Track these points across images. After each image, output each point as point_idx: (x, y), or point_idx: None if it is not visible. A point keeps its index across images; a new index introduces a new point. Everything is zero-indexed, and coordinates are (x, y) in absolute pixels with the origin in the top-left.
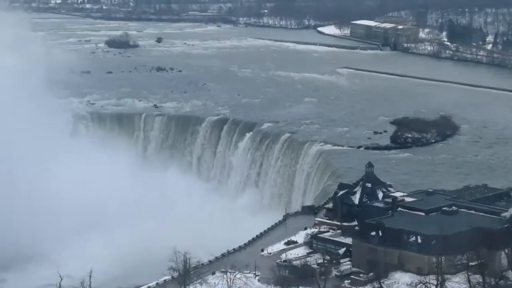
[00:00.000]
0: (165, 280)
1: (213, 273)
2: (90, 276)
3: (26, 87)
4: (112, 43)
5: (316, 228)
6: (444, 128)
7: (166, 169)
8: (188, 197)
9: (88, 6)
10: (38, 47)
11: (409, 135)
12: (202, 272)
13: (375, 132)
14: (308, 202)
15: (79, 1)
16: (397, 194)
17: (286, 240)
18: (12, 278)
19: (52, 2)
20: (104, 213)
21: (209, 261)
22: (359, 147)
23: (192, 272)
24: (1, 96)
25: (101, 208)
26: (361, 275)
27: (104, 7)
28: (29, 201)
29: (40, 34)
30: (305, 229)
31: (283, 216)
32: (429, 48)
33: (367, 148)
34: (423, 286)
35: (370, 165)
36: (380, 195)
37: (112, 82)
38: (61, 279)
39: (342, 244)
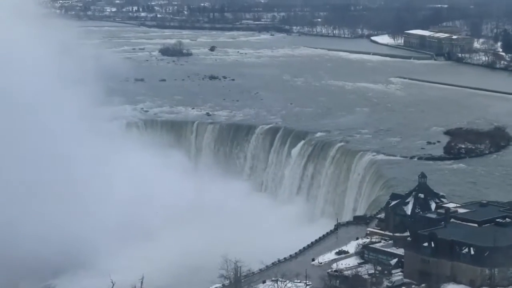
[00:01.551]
0: None
1: (264, 282)
2: (142, 282)
3: (80, 94)
4: (165, 51)
5: (367, 238)
6: (498, 139)
7: (218, 177)
8: (239, 205)
9: (142, 14)
10: (93, 55)
11: (463, 146)
12: (252, 280)
13: (428, 143)
14: (360, 212)
15: (133, 9)
16: (450, 205)
17: (337, 250)
18: (61, 284)
19: (107, 10)
20: (154, 219)
21: (260, 269)
22: (412, 157)
23: (243, 280)
24: (56, 102)
25: (151, 214)
26: (413, 286)
27: (158, 15)
28: (81, 205)
29: (95, 42)
30: (357, 239)
31: (335, 225)
32: (483, 58)
33: (420, 158)
34: None
35: (423, 175)
36: (433, 206)
37: (165, 90)
38: (113, 284)
39: (394, 255)
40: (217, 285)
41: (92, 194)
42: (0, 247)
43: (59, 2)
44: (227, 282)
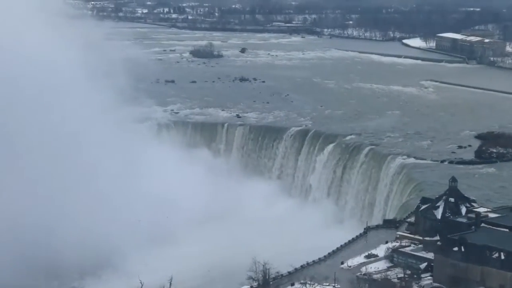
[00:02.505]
0: None
1: (292, 285)
2: (170, 284)
3: (111, 96)
4: (196, 53)
5: (397, 242)
6: None
7: (247, 179)
8: (268, 207)
9: (173, 16)
10: (124, 56)
11: (494, 150)
12: (281, 283)
13: (459, 146)
14: (390, 215)
15: (165, 11)
16: (481, 209)
17: (366, 253)
18: (88, 286)
19: (138, 11)
20: (181, 220)
21: (289, 272)
22: (442, 161)
23: (271, 282)
24: (86, 104)
25: (178, 215)
26: None
27: (189, 17)
28: (108, 206)
29: (126, 43)
30: (386, 242)
31: (364, 229)
32: None
33: (451, 162)
34: None
35: (453, 179)
36: (463, 210)
37: (195, 92)
38: (142, 285)
39: (423, 259)
40: (246, 286)
41: (120, 195)
42: (28, 247)
43: (91, 3)
44: (255, 284)
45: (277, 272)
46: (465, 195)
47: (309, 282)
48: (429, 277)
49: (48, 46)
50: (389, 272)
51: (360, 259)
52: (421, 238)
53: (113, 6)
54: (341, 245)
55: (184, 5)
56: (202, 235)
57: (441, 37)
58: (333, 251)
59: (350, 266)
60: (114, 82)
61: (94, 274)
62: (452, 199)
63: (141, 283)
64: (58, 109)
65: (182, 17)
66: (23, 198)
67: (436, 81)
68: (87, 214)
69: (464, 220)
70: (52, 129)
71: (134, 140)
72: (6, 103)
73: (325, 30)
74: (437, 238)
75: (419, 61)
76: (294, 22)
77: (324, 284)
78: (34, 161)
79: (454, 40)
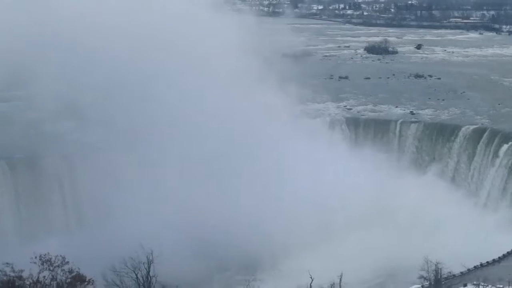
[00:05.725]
0: None
1: (465, 285)
2: (340, 280)
3: (285, 92)
4: (371, 49)
5: None
6: None
7: (418, 177)
8: (437, 206)
9: (348, 12)
10: (299, 53)
11: None
12: (453, 283)
13: None
14: None
15: (340, 7)
16: None
17: None
18: (260, 279)
19: (314, 8)
20: (348, 216)
21: (461, 272)
22: None
23: (443, 282)
24: (261, 101)
25: (345, 212)
26: None
27: (365, 13)
28: (276, 201)
29: (301, 40)
30: None
31: None
32: None
33: None
34: None
35: None
36: None
37: (369, 88)
38: (312, 280)
39: None
40: (417, 286)
41: (286, 191)
42: (200, 239)
43: (267, 0)
44: (427, 283)
45: (449, 272)
46: None
47: (482, 284)
48: None
49: (217, 42)
50: None
51: None
52: None
53: (288, 2)
54: None
55: (359, 1)
56: (369, 232)
57: None
58: (508, 252)
59: None
60: (289, 79)
61: (259, 269)
62: None
63: (311, 278)
64: (229, 104)
65: (357, 13)
66: (199, 188)
67: None
68: (255, 208)
69: None
70: (227, 122)
71: (305, 135)
72: (169, 101)
73: (504, 26)
74: None
75: None
76: (471, 18)
77: (498, 285)
78: (212, 154)
79: None
